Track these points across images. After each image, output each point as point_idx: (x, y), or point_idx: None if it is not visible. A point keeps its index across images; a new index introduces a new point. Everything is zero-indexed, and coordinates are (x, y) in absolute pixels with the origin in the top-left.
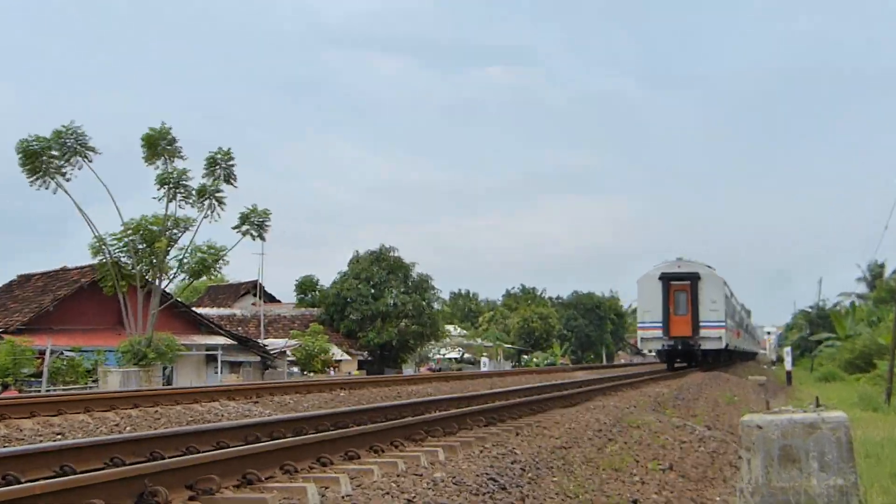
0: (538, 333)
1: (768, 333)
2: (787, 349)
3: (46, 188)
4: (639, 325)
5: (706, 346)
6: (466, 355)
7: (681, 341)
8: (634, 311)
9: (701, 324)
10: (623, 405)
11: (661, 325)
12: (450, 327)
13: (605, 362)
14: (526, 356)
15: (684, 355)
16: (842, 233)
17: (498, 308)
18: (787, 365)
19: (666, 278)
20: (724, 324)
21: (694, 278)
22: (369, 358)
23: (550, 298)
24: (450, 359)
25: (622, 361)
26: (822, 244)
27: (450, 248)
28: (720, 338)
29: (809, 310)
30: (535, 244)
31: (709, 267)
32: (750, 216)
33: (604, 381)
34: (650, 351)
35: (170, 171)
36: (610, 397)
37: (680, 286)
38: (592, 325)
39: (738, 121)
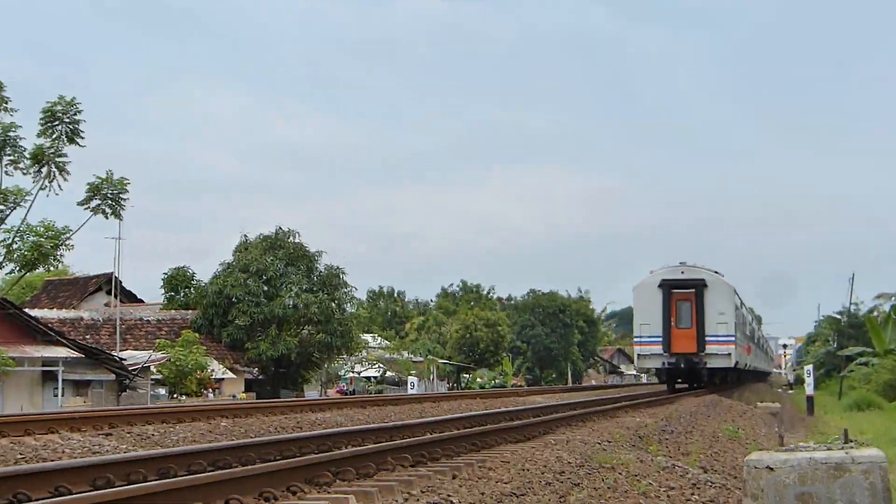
0: (483, 345)
1: (784, 347)
2: (809, 368)
3: None
4: (635, 339)
5: (713, 363)
6: (389, 374)
7: (684, 358)
8: (610, 317)
9: (707, 339)
10: (593, 440)
11: (660, 339)
12: (367, 336)
13: (570, 383)
14: (467, 375)
15: (687, 375)
16: (882, 213)
17: (431, 312)
18: (809, 388)
19: (667, 286)
20: (733, 338)
21: (699, 286)
22: (260, 376)
23: (500, 299)
24: (367, 378)
25: (592, 382)
26: (856, 231)
27: (367, 231)
28: (729, 355)
29: (838, 316)
30: (481, 227)
31: (716, 273)
32: (762, 191)
33: (568, 407)
34: (646, 371)
35: None
36: (576, 429)
37: (683, 295)
38: (555, 334)
39: (745, 64)
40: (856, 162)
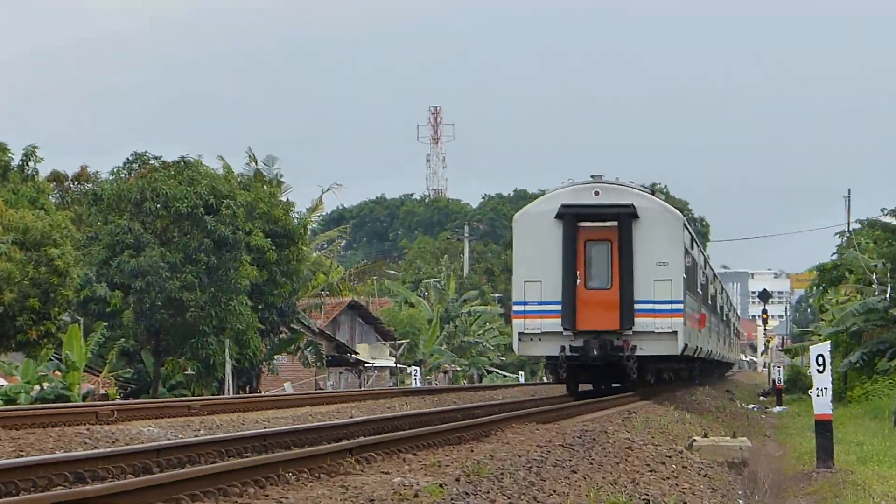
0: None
1: (762, 298)
2: (820, 348)
3: None
4: (513, 307)
5: (646, 348)
6: None
7: (597, 340)
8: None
9: (638, 307)
10: None
11: (557, 308)
12: None
13: (231, 392)
14: None
15: (602, 369)
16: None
17: None
18: (820, 401)
19: (571, 216)
20: (681, 305)
21: (625, 216)
22: None
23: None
24: None
25: (284, 390)
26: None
27: None
28: (674, 333)
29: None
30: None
31: (651, 194)
32: (730, 86)
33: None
34: (532, 359)
35: None
36: None
37: (597, 232)
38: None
39: None
40: None
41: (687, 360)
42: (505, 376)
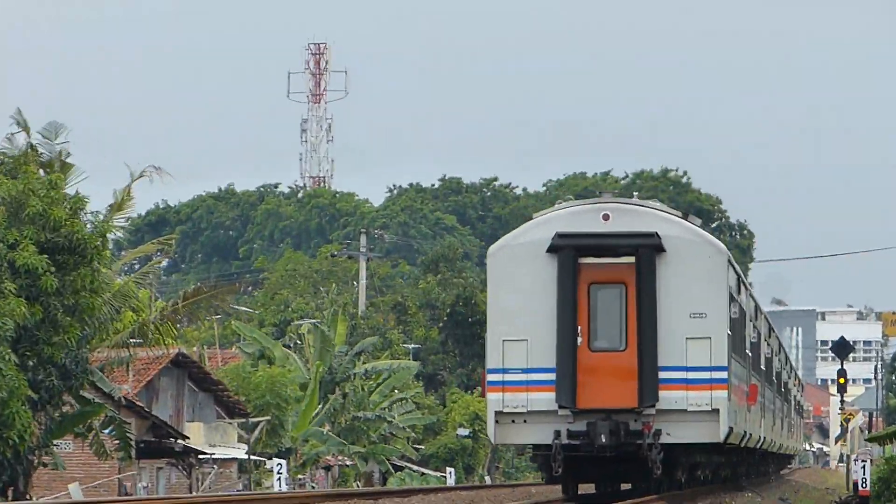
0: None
1: (838, 378)
2: None
3: None
4: (488, 376)
5: (675, 433)
6: None
7: (606, 422)
8: None
9: (663, 374)
10: None
11: (551, 376)
12: None
13: None
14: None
15: (614, 463)
16: None
17: None
18: None
19: (571, 250)
20: (724, 373)
21: (646, 250)
22: None
23: None
24: None
25: (70, 495)
26: None
27: None
28: (714, 412)
29: None
30: None
31: (685, 219)
32: None
33: None
34: (514, 449)
35: None
36: None
37: (607, 272)
38: None
39: None
40: None
41: (731, 450)
42: (423, 475)
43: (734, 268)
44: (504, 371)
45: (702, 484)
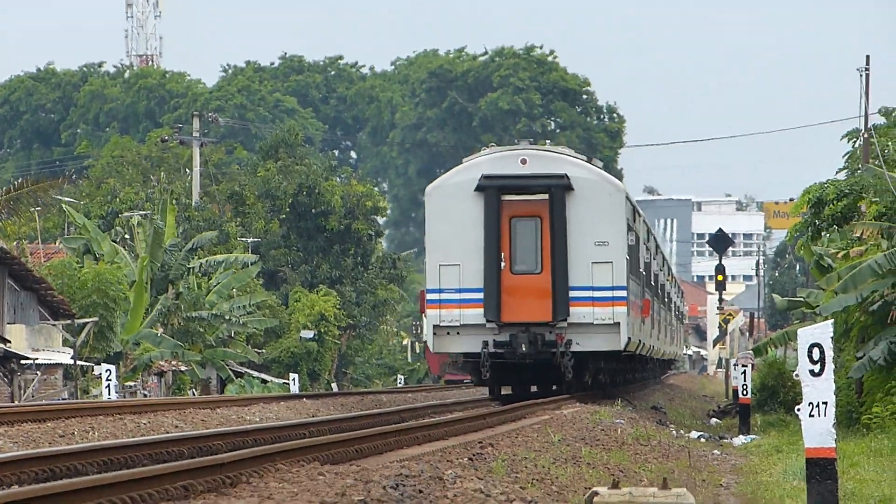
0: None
1: (717, 275)
2: (818, 336)
3: None
4: (427, 295)
5: (583, 343)
6: None
7: (525, 334)
8: None
9: (573, 293)
10: None
11: (479, 296)
12: None
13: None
14: None
15: (532, 369)
16: None
17: None
18: (819, 424)
19: (494, 188)
20: (624, 291)
21: (558, 189)
22: None
23: None
24: None
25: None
26: None
27: None
28: (616, 325)
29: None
30: None
31: (589, 162)
32: None
33: None
34: (451, 358)
35: None
36: None
37: (525, 207)
38: None
39: None
40: None
41: (627, 357)
42: (265, 382)
43: (630, 202)
44: (440, 291)
45: (602, 386)
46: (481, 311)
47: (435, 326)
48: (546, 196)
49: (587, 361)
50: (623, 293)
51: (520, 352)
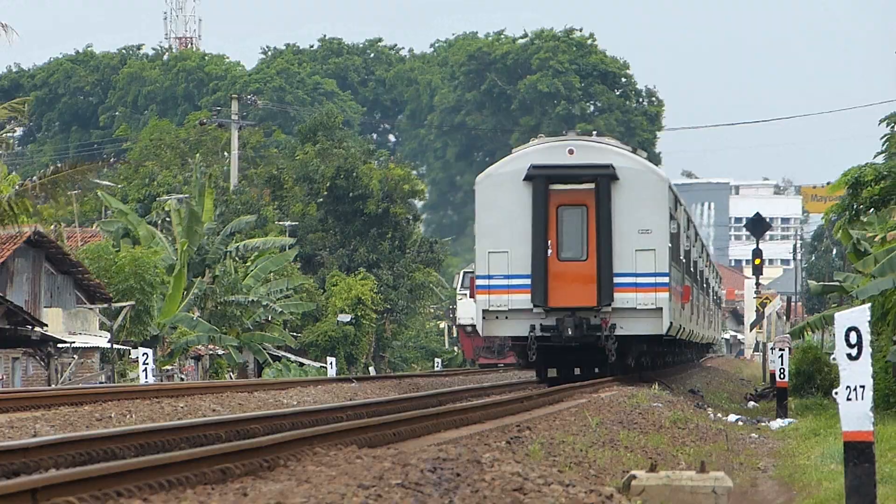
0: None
1: (754, 259)
2: (855, 320)
3: None
4: (477, 281)
5: (627, 327)
6: None
7: (571, 318)
8: None
9: (617, 279)
10: None
11: (527, 281)
12: None
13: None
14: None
15: (577, 352)
16: None
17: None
18: (857, 407)
19: (542, 178)
20: (665, 278)
21: (603, 178)
22: None
23: None
24: None
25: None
26: None
27: None
28: (659, 310)
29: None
30: None
31: (634, 153)
32: None
33: None
34: (496, 341)
35: None
36: None
37: (572, 196)
38: None
39: None
40: None
41: (668, 341)
42: (302, 365)
43: (673, 191)
44: (489, 277)
45: (644, 369)
46: (529, 296)
47: (484, 311)
48: (592, 185)
49: (630, 345)
50: (665, 279)
51: (566, 335)
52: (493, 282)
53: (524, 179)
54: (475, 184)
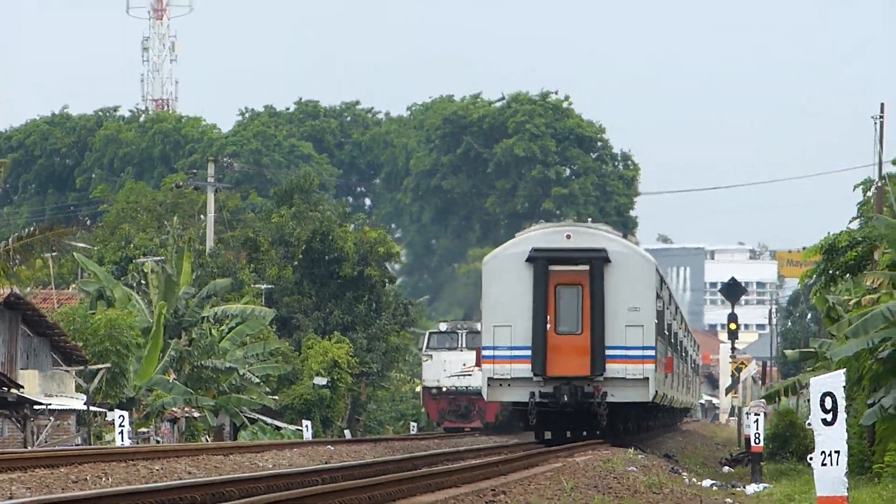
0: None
1: (729, 323)
2: (830, 385)
3: None
4: (483, 351)
5: (617, 395)
6: None
7: (567, 386)
8: None
9: (609, 352)
10: None
11: (527, 352)
12: None
13: None
14: None
15: (574, 416)
16: None
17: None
18: (831, 473)
19: (542, 260)
20: (652, 351)
21: (597, 261)
22: None
23: None
24: None
25: None
26: None
27: None
28: (645, 380)
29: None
30: None
31: (624, 239)
32: None
33: None
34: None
35: None
36: None
37: (569, 276)
38: None
39: None
40: None
41: (653, 407)
42: (279, 429)
43: (658, 272)
44: (494, 348)
45: (631, 432)
46: (529, 366)
47: (489, 379)
48: (587, 267)
49: (620, 411)
50: (652, 352)
51: (562, 402)
52: (497, 352)
53: (526, 261)
54: (482, 263)
